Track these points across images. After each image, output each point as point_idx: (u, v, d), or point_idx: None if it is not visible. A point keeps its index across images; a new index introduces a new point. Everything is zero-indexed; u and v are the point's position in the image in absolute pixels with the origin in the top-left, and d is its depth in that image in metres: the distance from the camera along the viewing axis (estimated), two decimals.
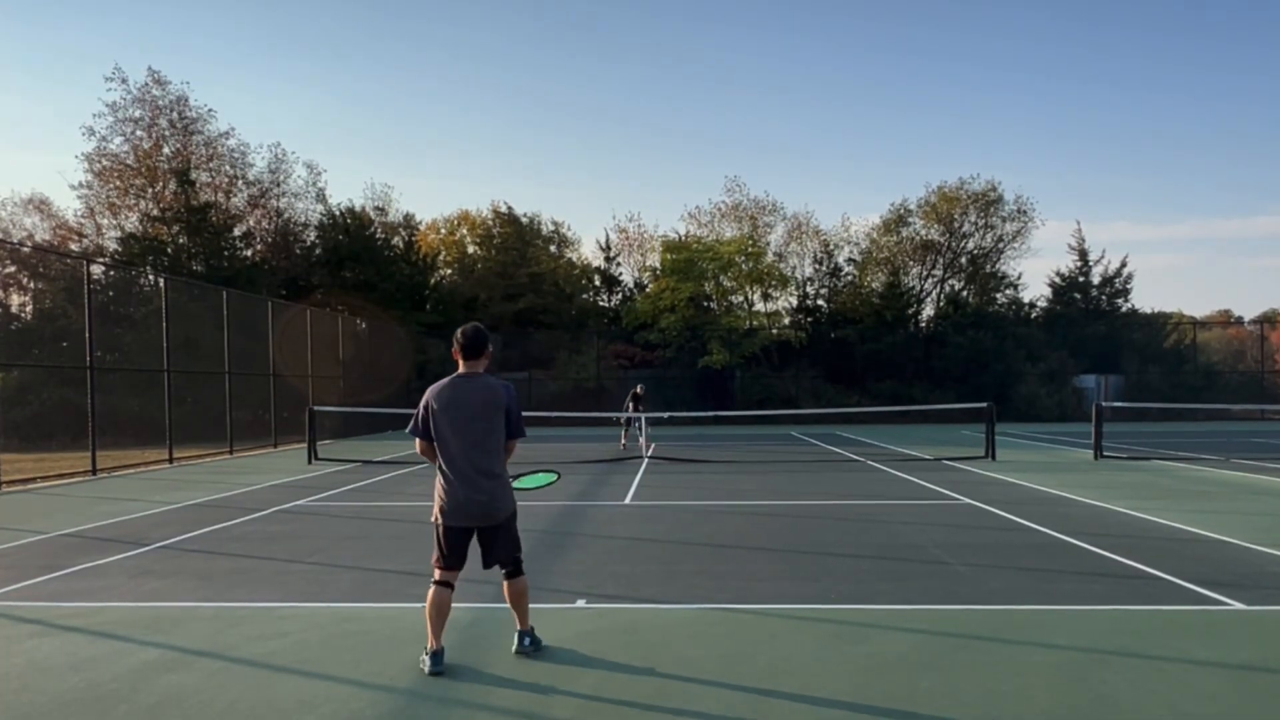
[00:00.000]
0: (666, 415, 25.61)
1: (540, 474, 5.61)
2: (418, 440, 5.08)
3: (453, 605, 6.17)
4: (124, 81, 32.48)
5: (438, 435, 4.96)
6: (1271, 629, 5.61)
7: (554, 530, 9.50)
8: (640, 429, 20.69)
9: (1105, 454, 17.47)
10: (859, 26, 75.59)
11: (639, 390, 21.36)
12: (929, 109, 73.20)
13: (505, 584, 5.17)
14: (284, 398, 23.58)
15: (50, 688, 4.68)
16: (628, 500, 11.94)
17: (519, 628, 5.25)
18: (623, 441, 21.15)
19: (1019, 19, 73.35)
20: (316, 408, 19.59)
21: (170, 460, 18.26)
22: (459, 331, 5.06)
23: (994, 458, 17.08)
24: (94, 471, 16.00)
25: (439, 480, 5.00)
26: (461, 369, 5.05)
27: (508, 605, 5.24)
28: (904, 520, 9.95)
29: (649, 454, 19.14)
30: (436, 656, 4.88)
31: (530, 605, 6.11)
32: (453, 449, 4.92)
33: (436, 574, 5.03)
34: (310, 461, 17.92)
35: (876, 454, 19.18)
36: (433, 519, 5.05)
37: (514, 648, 5.19)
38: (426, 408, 4.99)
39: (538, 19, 78.74)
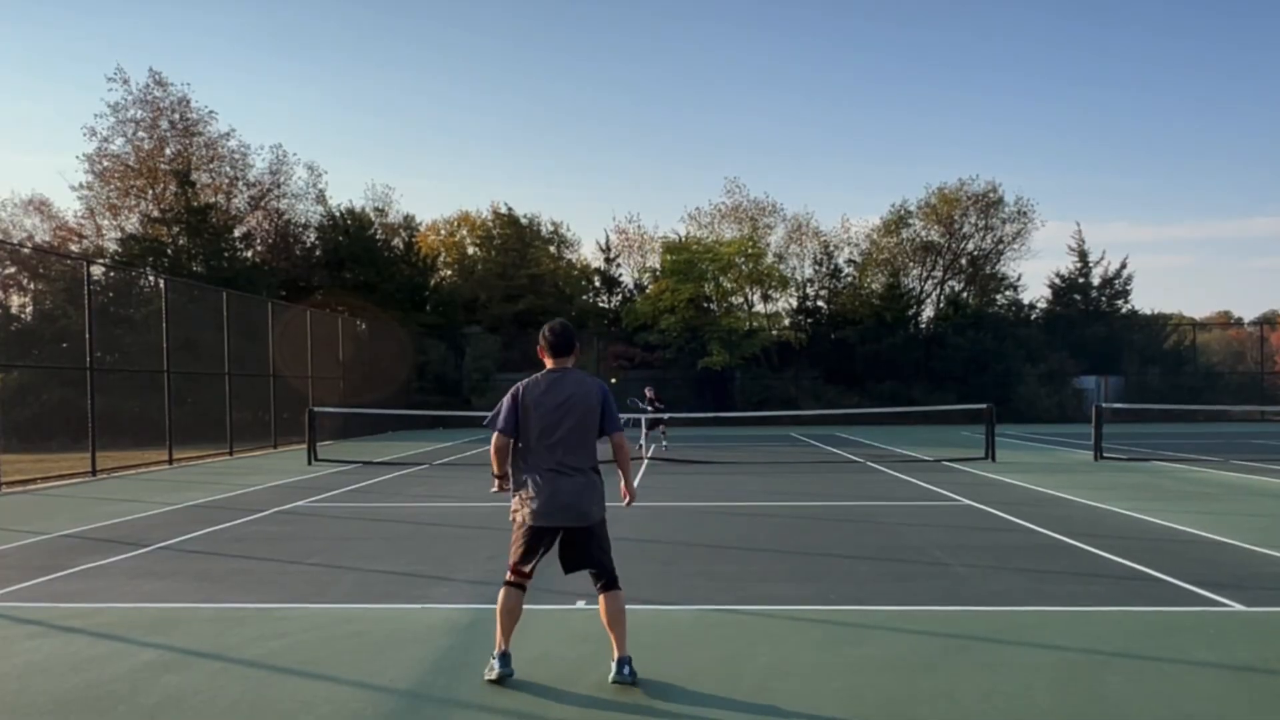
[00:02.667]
0: (666, 416, 25.57)
1: None
2: (497, 435, 4.73)
3: (453, 606, 6.19)
4: (125, 82, 32.55)
5: (525, 431, 4.71)
6: (1271, 630, 5.61)
7: None
8: (646, 428, 20.64)
9: (1105, 455, 17.47)
10: (859, 27, 75.64)
11: (649, 393, 21.19)
12: (929, 109, 73.22)
13: (601, 600, 4.74)
14: (284, 399, 23.58)
15: (50, 688, 4.68)
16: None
17: (618, 654, 4.67)
18: (640, 443, 20.87)
19: (1019, 20, 73.40)
20: (316, 408, 19.60)
21: (170, 461, 18.26)
22: (545, 328, 4.88)
23: (994, 459, 17.08)
24: (94, 472, 16.00)
25: (525, 479, 4.73)
26: (551, 365, 4.84)
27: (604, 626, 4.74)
28: (904, 521, 9.95)
29: (649, 455, 19.14)
30: (505, 658, 4.67)
31: (529, 606, 6.11)
32: (545, 445, 4.68)
33: (510, 575, 4.78)
34: (310, 462, 17.91)
35: (876, 455, 19.18)
36: (513, 518, 4.80)
37: (611, 676, 4.64)
38: (517, 402, 4.72)
39: (538, 19, 78.81)
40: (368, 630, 5.70)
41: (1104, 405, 19.72)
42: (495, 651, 4.72)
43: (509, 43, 78.85)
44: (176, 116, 33.40)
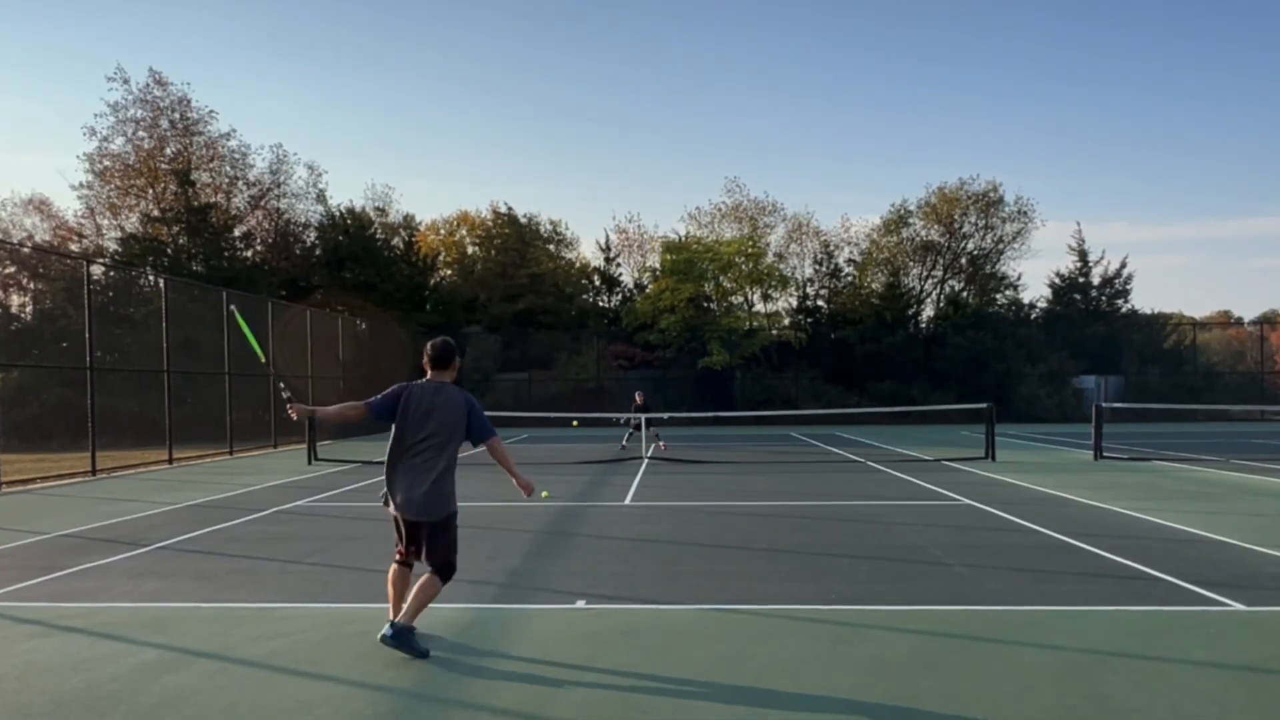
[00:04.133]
0: (666, 416, 25.60)
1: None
2: (359, 408, 5.40)
3: (453, 606, 6.21)
4: (125, 82, 32.53)
5: (399, 429, 5.28)
6: (1271, 630, 5.61)
7: (554, 531, 9.50)
8: (641, 432, 20.66)
9: (1105, 455, 17.47)
10: (859, 27, 75.69)
11: (639, 400, 21.25)
12: (929, 109, 73.31)
13: (424, 576, 5.27)
14: (284, 398, 23.53)
15: (50, 688, 4.68)
16: (628, 501, 11.94)
17: (396, 617, 5.21)
18: (624, 443, 21.16)
19: (1019, 20, 73.43)
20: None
21: (170, 461, 18.25)
22: (428, 344, 5.51)
23: (994, 458, 17.08)
24: (94, 472, 16.00)
25: (395, 474, 5.30)
26: (430, 377, 5.45)
27: (409, 596, 5.29)
28: (904, 521, 9.95)
29: (650, 454, 19.13)
30: (389, 625, 5.17)
31: (529, 605, 6.15)
32: (407, 445, 5.25)
33: (396, 555, 5.48)
34: (310, 462, 17.91)
35: (876, 455, 19.18)
36: (384, 505, 5.39)
37: (379, 632, 5.18)
38: (400, 399, 5.31)
39: (537, 19, 78.84)
40: (368, 630, 5.69)
41: (1104, 405, 19.71)
42: (387, 620, 5.28)
43: (508, 42, 78.91)
44: (176, 116, 33.41)
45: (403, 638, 5.09)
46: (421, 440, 5.24)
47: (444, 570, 5.29)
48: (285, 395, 5.68)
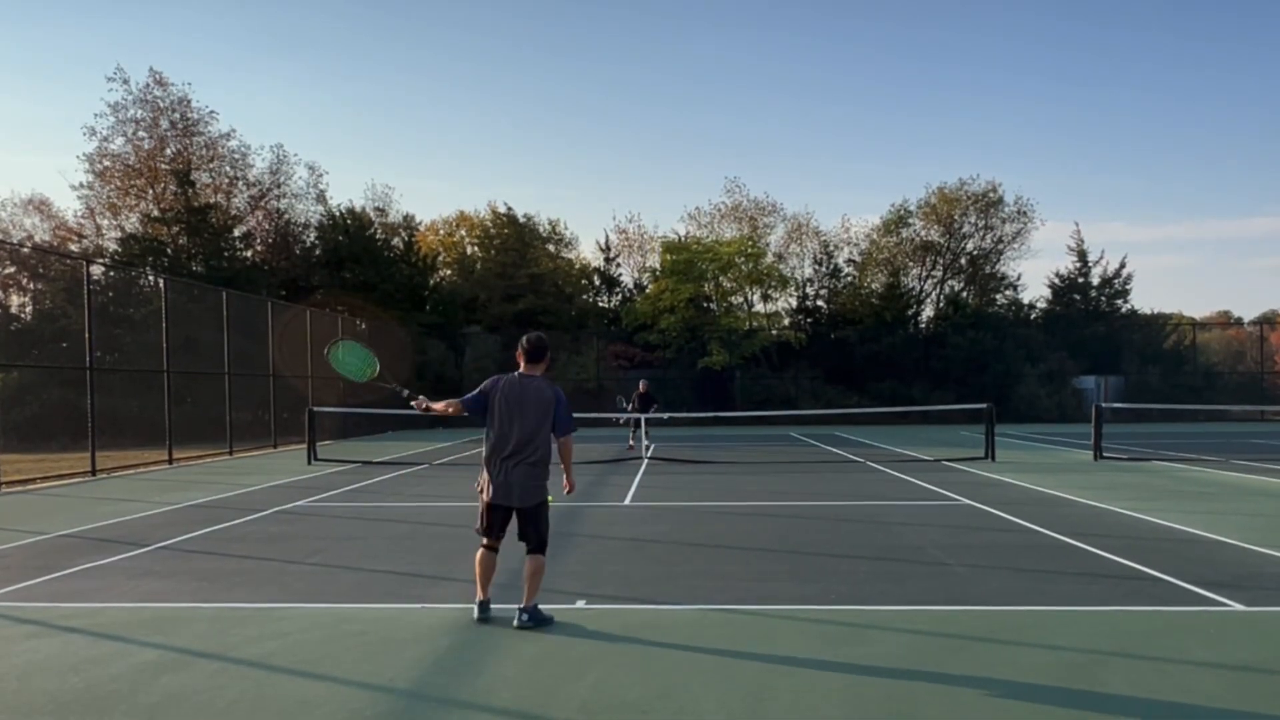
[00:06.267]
0: (666, 416, 25.57)
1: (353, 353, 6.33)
2: (457, 404, 5.90)
3: (453, 606, 6.25)
4: (125, 82, 32.53)
5: (492, 421, 5.73)
6: (1270, 630, 5.61)
7: (554, 531, 9.44)
8: (642, 428, 20.61)
9: (1105, 455, 17.46)
10: (859, 27, 75.69)
11: (642, 388, 21.14)
12: (929, 109, 73.27)
13: (527, 559, 5.81)
14: (284, 398, 23.57)
15: (50, 688, 4.68)
16: (627, 501, 11.94)
17: (523, 602, 5.73)
18: (630, 442, 21.00)
19: (1019, 20, 73.44)
20: (316, 408, 19.59)
21: (170, 461, 18.25)
22: (524, 339, 5.90)
23: (993, 459, 17.07)
24: (94, 472, 15.99)
25: (487, 462, 5.81)
26: (522, 370, 5.85)
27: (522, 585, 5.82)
28: (903, 521, 9.95)
29: (649, 454, 19.11)
30: (480, 605, 5.80)
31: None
32: (504, 436, 5.68)
33: (483, 540, 5.88)
34: (310, 462, 17.90)
35: (876, 455, 19.18)
36: (479, 493, 5.87)
37: (514, 621, 5.67)
38: (490, 394, 5.77)
39: (537, 20, 78.84)
40: (368, 630, 5.70)
41: (1104, 405, 19.72)
42: (476, 600, 5.86)
43: (508, 43, 78.93)
44: (177, 116, 33.41)
45: (535, 615, 5.65)
46: (513, 431, 5.65)
47: (541, 548, 5.80)
48: (404, 394, 6.52)
